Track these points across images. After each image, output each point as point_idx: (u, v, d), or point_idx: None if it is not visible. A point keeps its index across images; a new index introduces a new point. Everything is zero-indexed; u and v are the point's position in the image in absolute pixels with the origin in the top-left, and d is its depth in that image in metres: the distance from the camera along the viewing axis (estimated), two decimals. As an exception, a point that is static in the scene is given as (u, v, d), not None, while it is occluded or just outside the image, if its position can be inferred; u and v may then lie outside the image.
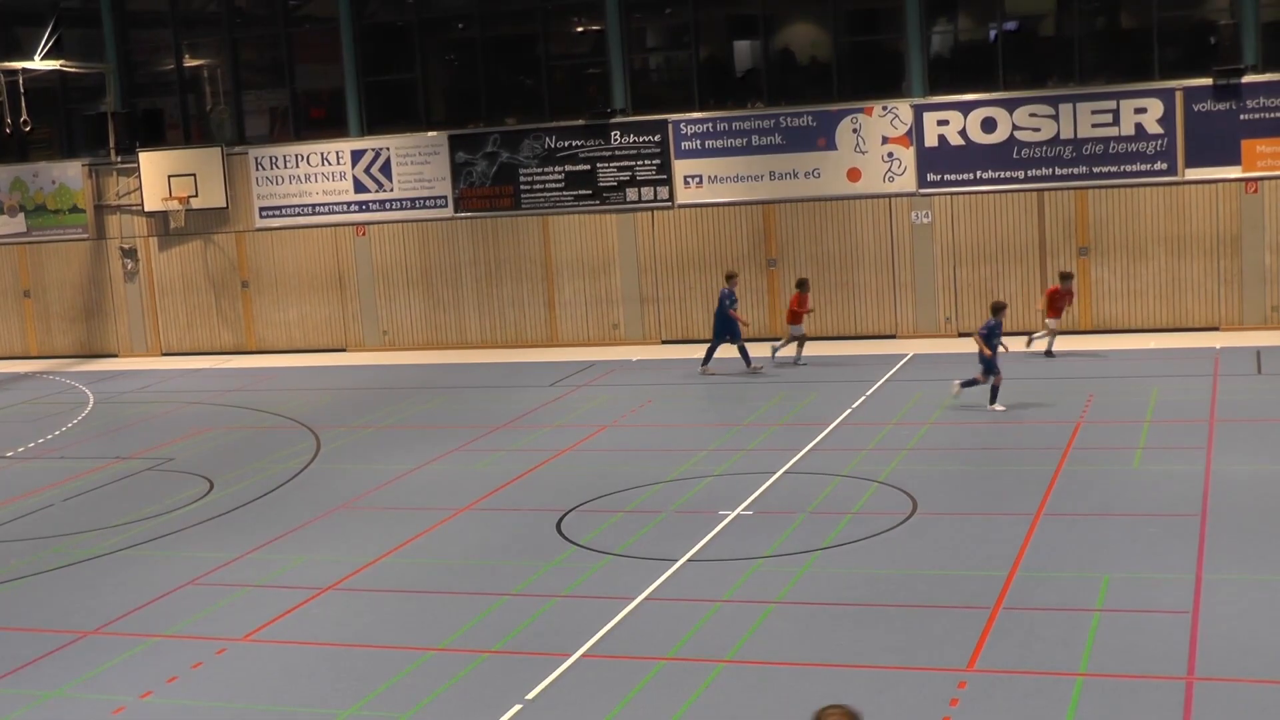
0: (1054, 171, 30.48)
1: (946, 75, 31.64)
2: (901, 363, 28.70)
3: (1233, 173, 29.68)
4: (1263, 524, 16.98)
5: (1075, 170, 30.37)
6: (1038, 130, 30.50)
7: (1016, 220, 30.82)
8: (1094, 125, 30.19)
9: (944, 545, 16.90)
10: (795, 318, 29.05)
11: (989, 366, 23.77)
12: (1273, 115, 29.35)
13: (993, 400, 23.79)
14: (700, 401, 27.06)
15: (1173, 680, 12.73)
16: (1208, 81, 29.67)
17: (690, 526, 18.13)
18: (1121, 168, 30.14)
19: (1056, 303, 27.99)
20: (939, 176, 31.18)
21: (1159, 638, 13.69)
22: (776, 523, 18.12)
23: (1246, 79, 29.45)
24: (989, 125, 30.73)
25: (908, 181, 31.39)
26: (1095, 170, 30.25)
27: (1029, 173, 30.60)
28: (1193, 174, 29.85)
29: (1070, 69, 31.06)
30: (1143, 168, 30.04)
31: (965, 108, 30.93)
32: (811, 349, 29.77)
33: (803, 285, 29.14)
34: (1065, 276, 28.36)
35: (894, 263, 31.66)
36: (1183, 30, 31.41)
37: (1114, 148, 30.12)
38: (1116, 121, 30.13)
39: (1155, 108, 29.88)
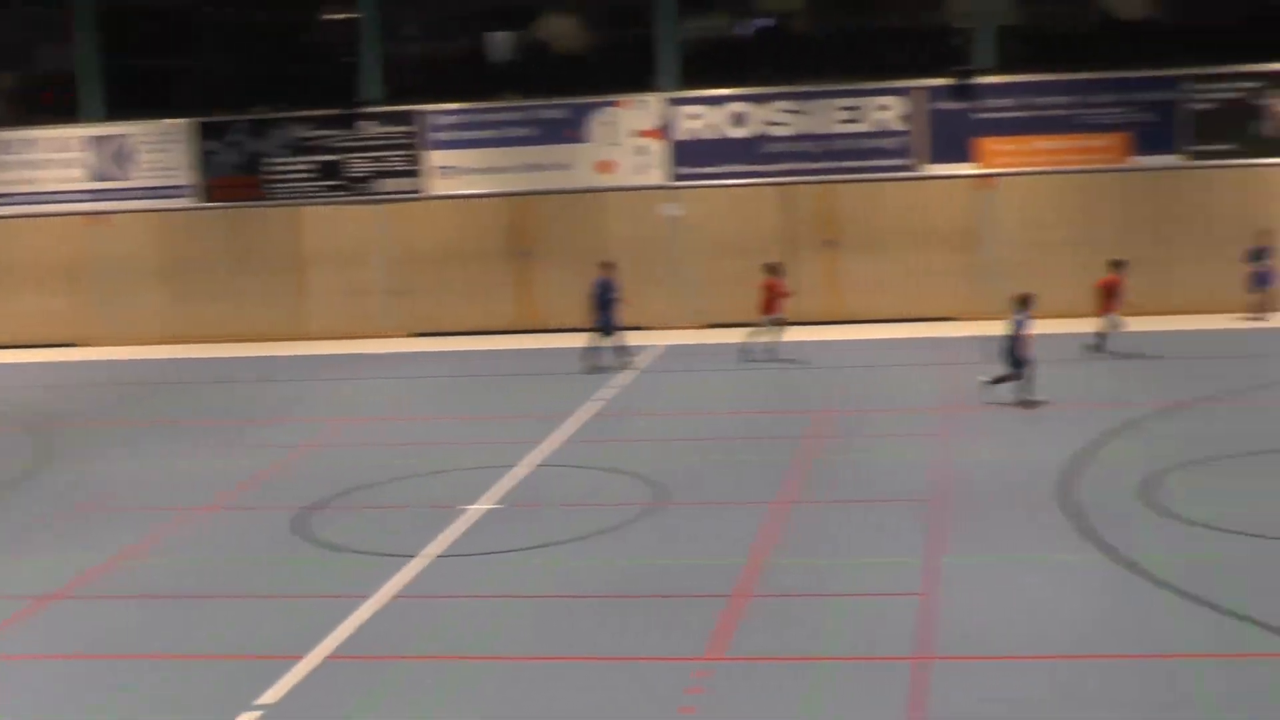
0: (799, 166, 31.05)
1: (699, 70, 31.98)
2: (653, 355, 28.91)
3: (968, 169, 30.61)
4: (994, 507, 17.55)
5: (820, 165, 30.98)
6: (786, 125, 31.03)
7: (765, 213, 31.31)
8: (838, 122, 30.85)
9: (686, 535, 17.08)
10: (772, 305, 27.80)
11: (1021, 361, 22.77)
12: (1006, 115, 30.38)
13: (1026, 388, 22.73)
14: (452, 394, 26.91)
15: (906, 660, 13.06)
16: (946, 81, 30.55)
17: (437, 521, 18.01)
18: (864, 163, 30.85)
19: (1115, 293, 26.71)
20: (690, 170, 31.52)
21: (894, 620, 14.04)
22: (524, 516, 18.11)
23: (982, 80, 30.39)
24: (739, 120, 31.17)
25: (659, 174, 31.65)
26: (839, 166, 30.91)
27: (775, 167, 31.12)
28: (932, 170, 30.70)
29: (817, 67, 31.68)
30: (884, 163, 30.81)
31: (717, 102, 31.33)
32: (567, 340, 29.76)
33: (776, 270, 27.97)
34: (1117, 265, 26.81)
35: (645, 255, 31.87)
36: (923, 32, 32.31)
37: (857, 144, 30.82)
38: (860, 118, 30.82)
39: (897, 105, 30.67)
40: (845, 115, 30.83)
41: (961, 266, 30.57)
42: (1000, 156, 30.50)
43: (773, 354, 27.29)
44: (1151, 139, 30.10)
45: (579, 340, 30.54)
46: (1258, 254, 29.24)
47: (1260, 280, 29.43)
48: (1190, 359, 26.05)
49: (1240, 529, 16.31)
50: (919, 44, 31.84)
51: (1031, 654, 13.09)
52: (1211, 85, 29.92)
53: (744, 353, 27.43)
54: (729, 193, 31.38)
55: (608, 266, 28.03)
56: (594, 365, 27.24)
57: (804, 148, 30.99)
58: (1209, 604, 14.05)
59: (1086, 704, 12.02)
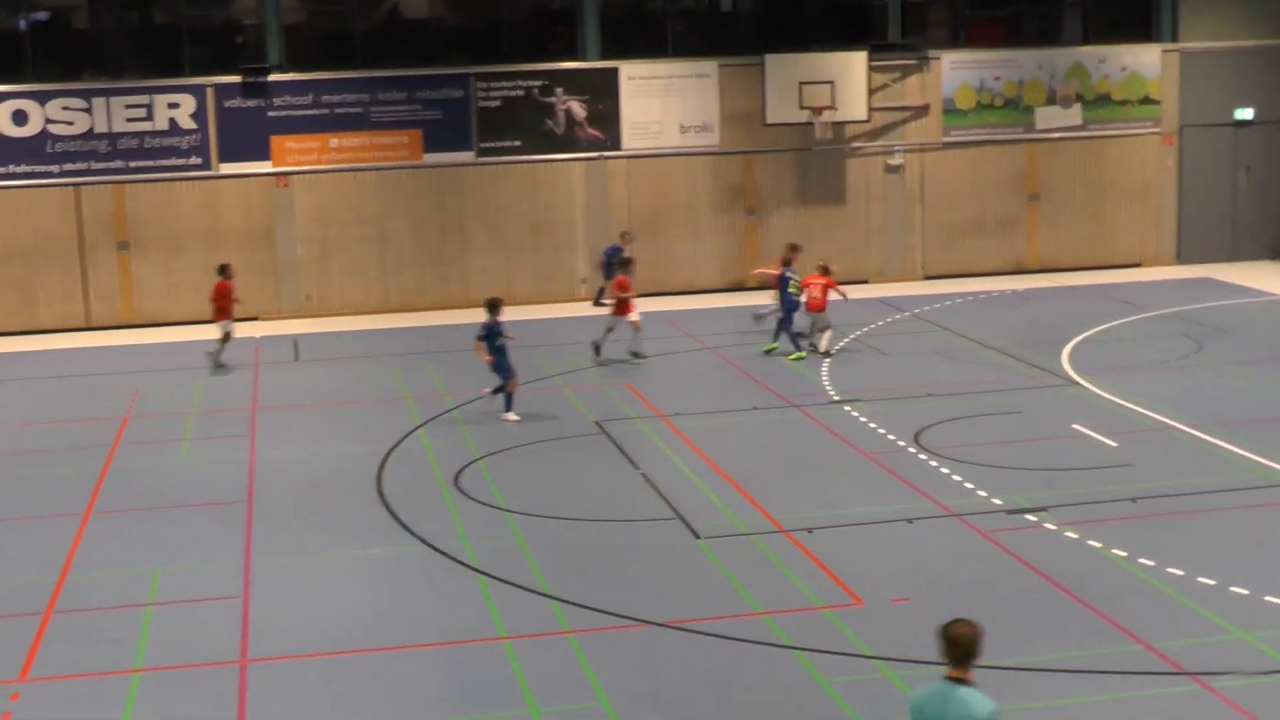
0: (90, 166, 30.05)
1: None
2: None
3: (264, 167, 30.67)
4: (302, 507, 17.83)
5: (112, 165, 30.11)
6: (71, 124, 29.93)
7: (53, 216, 30.08)
8: (129, 120, 30.09)
9: (-11, 555, 16.33)
10: (225, 310, 25.73)
11: (502, 370, 21.71)
12: (299, 113, 30.64)
13: (508, 408, 21.75)
14: None
15: (227, 665, 13.10)
16: (237, 79, 30.46)
17: None
18: (157, 162, 30.26)
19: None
20: (-32, 170, 29.81)
21: (212, 626, 14.04)
22: None
23: (273, 77, 30.51)
24: (20, 118, 29.77)
25: (-67, 174, 29.74)
26: (131, 165, 30.16)
27: (64, 167, 29.98)
28: (226, 168, 30.53)
29: (104, 63, 30.75)
30: (178, 162, 30.33)
31: (-8, 99, 29.79)
32: None
33: (226, 272, 26.02)
34: (793, 248, 26.42)
35: (-79, 260, 29.87)
36: (213, 29, 32.06)
37: (149, 142, 30.18)
38: (151, 116, 30.21)
39: (188, 103, 30.25)
40: (135, 113, 30.10)
41: (260, 265, 30.57)
42: (295, 154, 30.73)
43: (216, 360, 26.04)
44: (443, 136, 31.22)
45: None
46: (613, 251, 30.15)
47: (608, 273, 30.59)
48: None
49: (542, 512, 17.38)
50: (208, 41, 31.53)
51: (348, 649, 13.47)
52: (497, 84, 31.37)
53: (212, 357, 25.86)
54: (14, 194, 29.89)
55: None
56: None
57: (93, 147, 30.00)
58: (520, 586, 14.91)
59: (395, 694, 12.52)
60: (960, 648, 8.86)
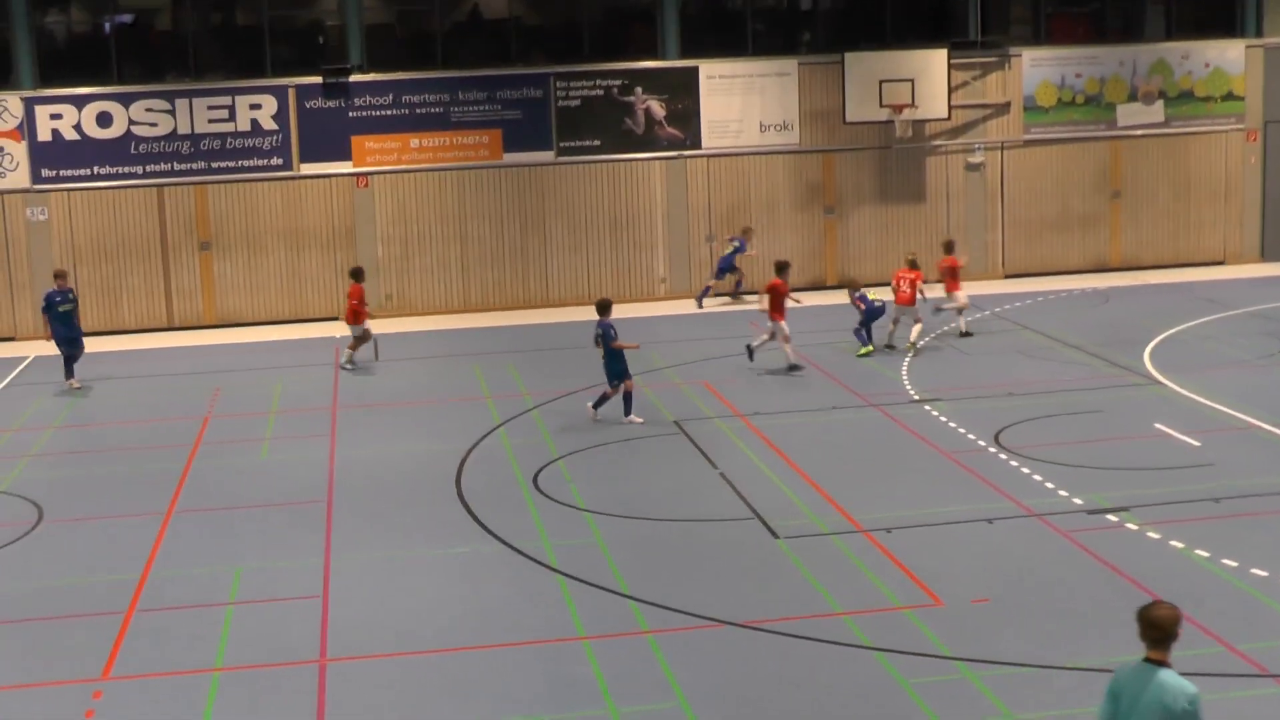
0: (173, 167, 30.38)
1: (59, 67, 30.69)
2: (21, 366, 27.55)
3: (345, 168, 30.88)
4: (382, 506, 17.91)
5: (194, 166, 30.42)
6: (155, 125, 30.27)
7: (137, 216, 30.45)
8: (211, 121, 30.38)
9: (73, 553, 16.52)
10: (359, 314, 25.93)
11: (618, 373, 21.45)
12: (378, 113, 30.82)
13: (628, 411, 21.37)
14: None
15: (307, 665, 13.19)
16: (318, 79, 30.68)
17: None
18: (239, 163, 30.54)
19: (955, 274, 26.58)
20: (54, 172, 30.21)
21: (293, 625, 14.14)
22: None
23: (354, 78, 30.71)
24: (105, 120, 30.14)
25: (21, 177, 30.16)
26: (214, 165, 30.46)
27: (148, 168, 30.32)
28: (307, 169, 30.77)
29: (186, 64, 31.07)
30: (260, 163, 30.60)
31: (79, 101, 30.15)
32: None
33: (358, 276, 26.35)
34: (949, 246, 27.36)
35: (9, 261, 30.29)
36: (294, 29, 32.30)
37: (231, 143, 30.46)
38: (233, 117, 30.49)
39: (270, 104, 30.51)
40: (217, 114, 30.39)
41: (341, 265, 30.77)
42: (375, 154, 30.92)
43: (357, 365, 26.19)
44: (523, 135, 31.33)
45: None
46: (734, 244, 30.66)
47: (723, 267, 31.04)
48: (571, 348, 27.28)
49: (621, 512, 17.39)
50: (289, 42, 31.79)
51: (426, 649, 13.52)
52: (576, 83, 31.44)
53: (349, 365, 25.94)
54: (98, 195, 30.28)
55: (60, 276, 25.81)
56: None
57: (176, 148, 30.32)
58: (599, 586, 14.92)
59: (473, 693, 12.56)
60: (1159, 630, 8.84)
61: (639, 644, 13.38)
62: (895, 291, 25.42)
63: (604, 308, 21.66)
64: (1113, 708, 8.85)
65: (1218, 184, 33.50)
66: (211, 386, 24.89)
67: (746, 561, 15.50)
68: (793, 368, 24.08)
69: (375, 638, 13.75)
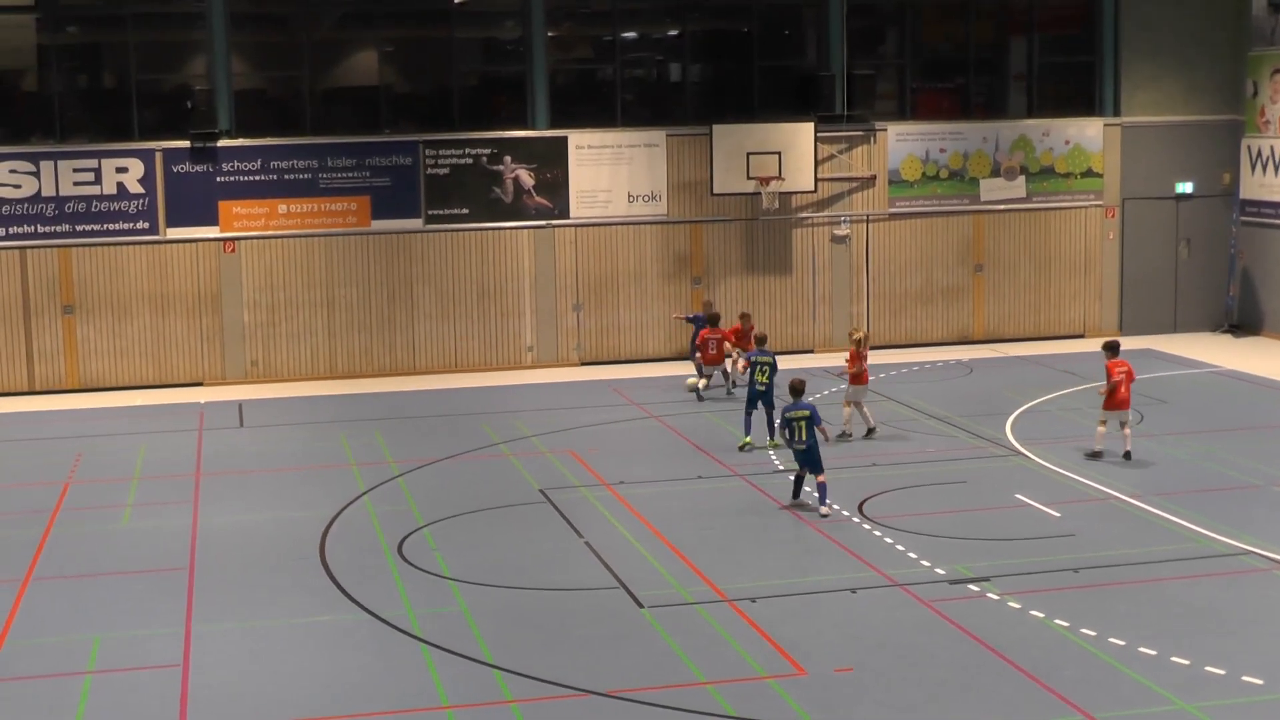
0: (37, 229, 29.93)
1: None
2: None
3: (212, 232, 30.63)
4: (244, 573, 17.72)
5: (58, 228, 30.00)
6: (19, 187, 29.83)
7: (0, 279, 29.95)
8: (76, 184, 30.01)
9: (-75, 622, 16.14)
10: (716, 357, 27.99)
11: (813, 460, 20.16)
12: (246, 178, 30.63)
13: (823, 500, 19.94)
14: None
15: (164, 735, 12.99)
16: (186, 144, 30.45)
17: None
18: (105, 226, 30.17)
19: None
20: (-88, 232, 29.64)
21: (152, 694, 13.92)
22: None
23: (222, 143, 30.52)
24: (-35, 180, 29.66)
25: (-123, 237, 29.55)
26: (79, 229, 30.06)
27: (11, 230, 29.84)
28: (174, 233, 30.47)
29: (51, 126, 30.68)
30: (125, 226, 30.25)
31: (-63, 162, 29.66)
32: None
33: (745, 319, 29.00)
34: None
35: None
36: (162, 93, 32.03)
37: (96, 206, 30.10)
38: (99, 180, 30.14)
39: (136, 167, 30.21)
40: (83, 177, 30.03)
41: (206, 330, 30.46)
42: (243, 220, 30.71)
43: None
44: (392, 202, 31.28)
45: None
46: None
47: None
48: (436, 416, 27.22)
49: (488, 581, 17.35)
50: (157, 105, 31.50)
51: (288, 718, 13.37)
52: (446, 151, 31.49)
53: None
54: (-43, 256, 29.74)
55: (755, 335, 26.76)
56: None
57: (40, 210, 29.89)
58: (464, 655, 14.86)
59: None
60: None
61: (503, 714, 13.34)
62: (703, 351, 27.26)
63: (797, 390, 20.78)
64: None
65: (1078, 258, 34.31)
66: (73, 452, 24.47)
67: (611, 631, 15.54)
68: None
69: (236, 707, 13.58)
